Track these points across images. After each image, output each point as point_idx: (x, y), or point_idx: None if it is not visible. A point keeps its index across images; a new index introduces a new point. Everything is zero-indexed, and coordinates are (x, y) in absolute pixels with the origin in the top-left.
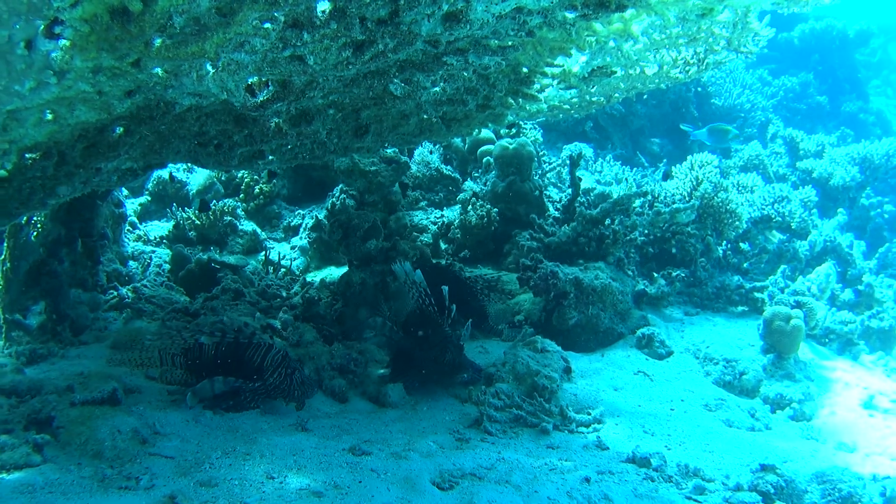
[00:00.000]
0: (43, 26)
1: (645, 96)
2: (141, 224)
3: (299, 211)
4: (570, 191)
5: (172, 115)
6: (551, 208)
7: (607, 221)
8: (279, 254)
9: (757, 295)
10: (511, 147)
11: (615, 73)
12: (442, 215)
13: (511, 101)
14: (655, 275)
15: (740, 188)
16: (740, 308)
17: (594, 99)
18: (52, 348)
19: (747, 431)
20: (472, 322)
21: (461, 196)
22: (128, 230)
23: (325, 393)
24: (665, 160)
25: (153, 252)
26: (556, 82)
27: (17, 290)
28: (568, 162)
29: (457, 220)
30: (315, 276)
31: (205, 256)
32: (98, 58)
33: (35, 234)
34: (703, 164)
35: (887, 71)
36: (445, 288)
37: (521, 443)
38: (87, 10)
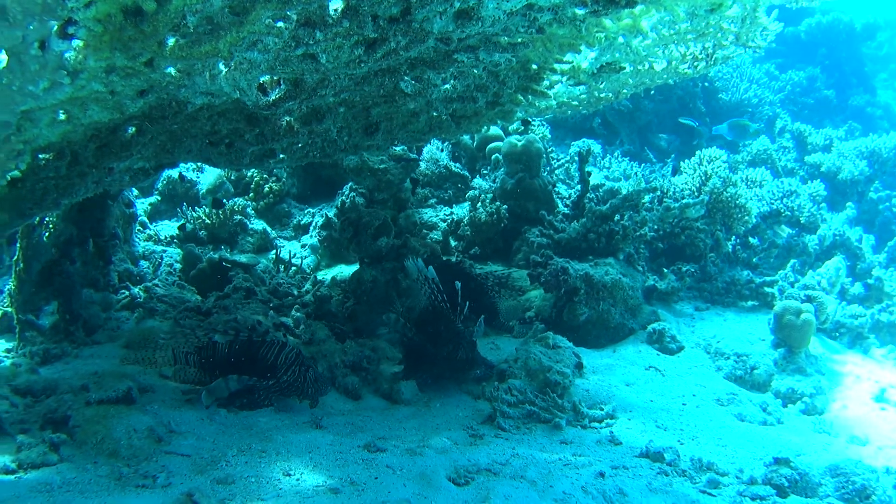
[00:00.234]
0: (57, 27)
1: (652, 92)
2: (151, 224)
3: (309, 209)
4: (579, 187)
5: (184, 114)
6: (560, 205)
7: (617, 217)
8: (290, 252)
9: (767, 289)
10: (520, 144)
11: (624, 68)
12: (451, 212)
13: (520, 97)
14: (665, 270)
15: (749, 183)
16: (750, 303)
17: (603, 95)
18: (66, 348)
19: (759, 426)
20: (483, 319)
21: (470, 193)
22: (138, 230)
23: (338, 390)
24: (673, 155)
25: (164, 251)
26: (565, 79)
27: (30, 290)
28: (576, 158)
29: (466, 217)
30: (326, 275)
31: (216, 255)
32: (111, 58)
33: (47, 234)
34: (712, 159)
35: (894, 64)
36: (458, 284)
37: (534, 438)
38: (100, 10)
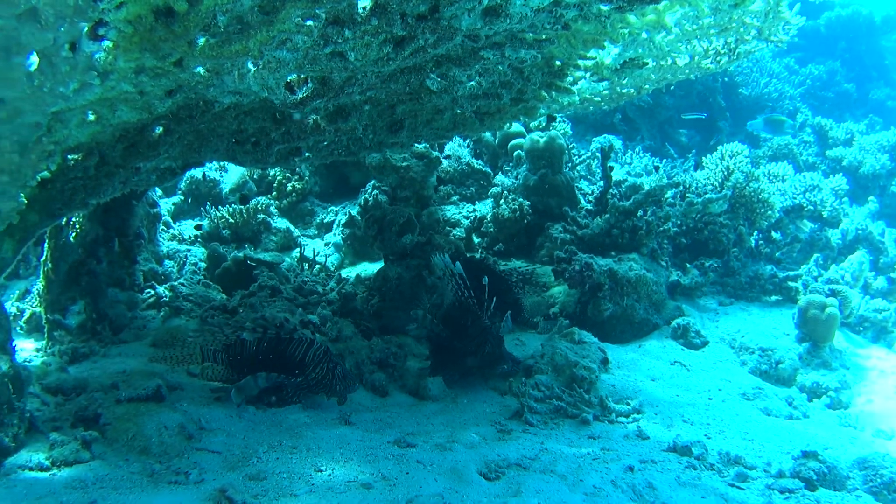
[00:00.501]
0: (87, 28)
1: (672, 87)
2: (175, 223)
3: (332, 207)
4: (601, 183)
5: (211, 113)
6: (583, 200)
7: (640, 213)
8: (314, 250)
9: (791, 284)
10: (542, 140)
11: (647, 64)
12: (474, 209)
13: (544, 94)
14: (689, 265)
15: (771, 177)
16: (774, 297)
17: (625, 91)
18: (94, 347)
19: (785, 420)
20: (509, 314)
21: (493, 190)
22: (162, 229)
23: (365, 387)
24: (694, 151)
25: (188, 251)
26: (588, 75)
27: (58, 290)
28: (598, 154)
29: (489, 214)
30: (349, 272)
31: (241, 254)
32: (141, 58)
33: (73, 234)
34: (734, 153)
35: None
36: (486, 279)
37: (562, 433)
38: (131, 12)
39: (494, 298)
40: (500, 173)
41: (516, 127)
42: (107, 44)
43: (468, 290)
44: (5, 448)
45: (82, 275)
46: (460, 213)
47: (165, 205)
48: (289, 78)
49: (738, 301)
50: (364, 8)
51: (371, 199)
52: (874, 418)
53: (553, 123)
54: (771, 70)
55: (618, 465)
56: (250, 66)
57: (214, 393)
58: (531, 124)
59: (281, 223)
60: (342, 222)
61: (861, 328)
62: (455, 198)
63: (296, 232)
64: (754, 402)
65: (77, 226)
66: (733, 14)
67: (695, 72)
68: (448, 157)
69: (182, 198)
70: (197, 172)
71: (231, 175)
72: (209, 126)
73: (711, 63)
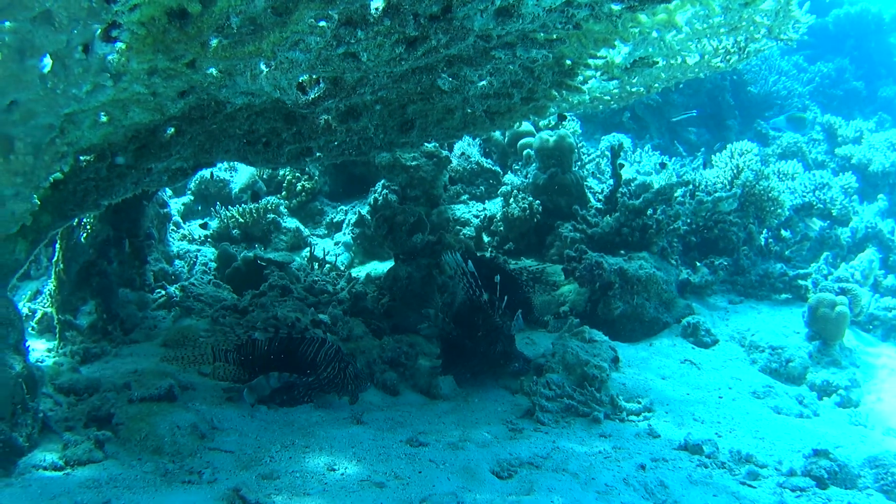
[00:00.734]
0: (100, 30)
1: (681, 86)
2: (185, 223)
3: (342, 207)
4: (611, 181)
5: (223, 114)
6: (593, 199)
7: (650, 211)
8: (324, 250)
9: (800, 282)
10: (551, 139)
11: (657, 63)
12: (484, 208)
13: (555, 93)
14: (698, 264)
15: (781, 175)
16: (784, 295)
17: (635, 90)
18: (105, 347)
19: (796, 418)
20: (520, 313)
21: (503, 189)
22: (172, 229)
23: (376, 386)
24: (703, 149)
25: (198, 251)
26: (598, 74)
27: (69, 290)
28: (608, 153)
29: (499, 213)
30: (359, 271)
31: (251, 254)
32: (153, 59)
33: (84, 235)
34: (744, 152)
35: None
36: (497, 277)
37: (573, 432)
38: (144, 13)
39: (506, 297)
40: (509, 172)
41: (526, 126)
42: (120, 45)
43: (479, 288)
44: (20, 448)
45: (93, 275)
46: (470, 212)
47: (175, 205)
48: (301, 78)
49: (748, 299)
50: (377, 9)
51: (381, 198)
52: (884, 416)
53: (563, 122)
54: (780, 68)
55: (629, 464)
56: (263, 66)
57: (226, 393)
58: (540, 123)
59: (291, 223)
60: (352, 221)
61: (871, 326)
62: (465, 197)
63: (306, 231)
64: (765, 401)
65: (88, 226)
66: (744, 13)
67: (705, 70)
68: (462, 155)
69: (192, 198)
70: (206, 172)
71: (241, 175)
72: (221, 127)
73: (721, 62)
